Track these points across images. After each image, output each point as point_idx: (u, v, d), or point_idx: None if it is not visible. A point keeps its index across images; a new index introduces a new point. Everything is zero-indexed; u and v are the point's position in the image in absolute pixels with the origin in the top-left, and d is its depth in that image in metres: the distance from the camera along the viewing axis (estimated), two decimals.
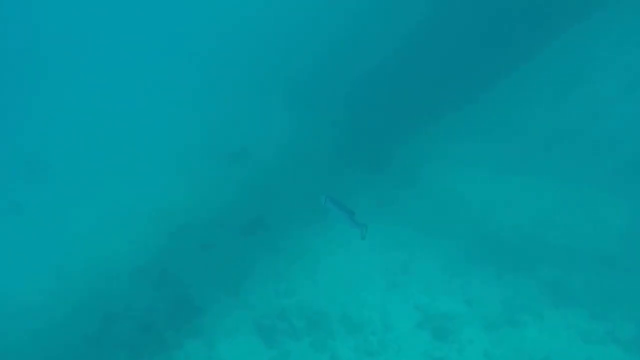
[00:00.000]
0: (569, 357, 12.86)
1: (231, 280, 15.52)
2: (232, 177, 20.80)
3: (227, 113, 25.97)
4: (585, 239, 15.97)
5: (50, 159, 24.87)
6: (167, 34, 34.94)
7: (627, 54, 20.47)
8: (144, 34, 35.23)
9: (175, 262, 16.51)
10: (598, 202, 16.97)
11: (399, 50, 26.13)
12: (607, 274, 14.63)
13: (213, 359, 13.70)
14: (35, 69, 33.61)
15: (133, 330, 14.29)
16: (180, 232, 17.97)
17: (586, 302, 13.99)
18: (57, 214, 20.42)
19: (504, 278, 15.12)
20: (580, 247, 15.74)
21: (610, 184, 17.19)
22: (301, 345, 13.68)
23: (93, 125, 27.12)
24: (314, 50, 28.86)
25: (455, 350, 13.34)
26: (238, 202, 19.17)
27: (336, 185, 19.16)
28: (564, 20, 22.32)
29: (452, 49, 24.59)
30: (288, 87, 27.21)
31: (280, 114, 25.24)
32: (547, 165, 18.76)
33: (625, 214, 16.26)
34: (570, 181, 17.73)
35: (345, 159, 20.85)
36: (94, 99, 30.27)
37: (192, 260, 16.53)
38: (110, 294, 15.75)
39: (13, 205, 21.54)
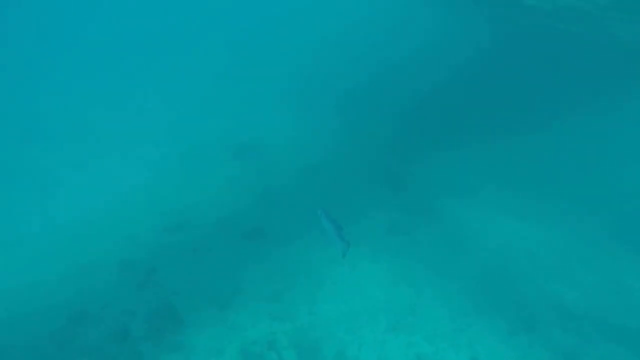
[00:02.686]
0: None
1: (222, 292, 14.13)
2: (239, 179, 19.46)
3: (239, 111, 25.24)
4: (607, 307, 14.83)
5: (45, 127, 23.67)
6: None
7: None
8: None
9: (165, 261, 15.12)
10: (625, 270, 15.83)
11: (448, 78, 25.77)
12: (627, 354, 13.49)
13: None
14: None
15: (104, 336, 12.86)
16: (176, 229, 16.60)
17: None
18: (46, 192, 19.05)
19: (515, 338, 13.89)
20: (601, 315, 14.58)
21: None
22: None
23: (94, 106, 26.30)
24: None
25: None
26: (242, 206, 17.84)
27: (350, 202, 17.95)
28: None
29: (503, 84, 23.98)
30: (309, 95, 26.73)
31: (293, 116, 24.49)
32: (573, 222, 17.66)
33: None
34: (598, 244, 16.60)
35: (363, 174, 19.66)
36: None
37: (183, 262, 15.16)
38: (89, 287, 14.34)
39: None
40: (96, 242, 16.10)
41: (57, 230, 16.73)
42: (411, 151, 21.32)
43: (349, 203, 18.20)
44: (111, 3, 42.68)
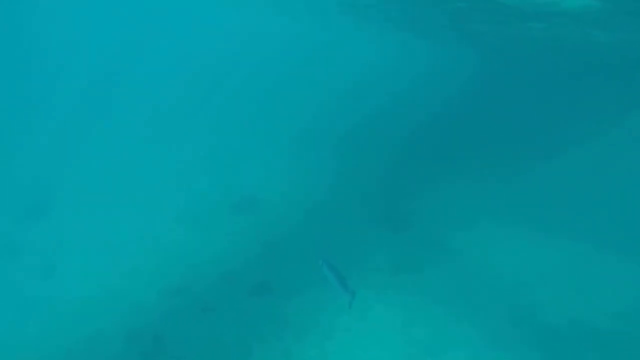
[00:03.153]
0: None
1: (231, 356, 13.71)
2: (240, 234, 19.31)
3: (235, 161, 25.31)
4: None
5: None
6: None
7: None
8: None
9: (172, 326, 14.72)
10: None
11: (442, 111, 25.99)
12: None
13: None
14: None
15: None
16: (180, 291, 16.26)
17: None
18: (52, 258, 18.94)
19: None
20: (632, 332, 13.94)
21: None
22: None
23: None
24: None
25: None
26: (245, 261, 17.57)
27: (352, 245, 17.66)
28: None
29: (493, 112, 24.04)
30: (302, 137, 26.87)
31: (290, 165, 24.49)
32: (593, 235, 17.25)
33: None
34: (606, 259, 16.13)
35: (363, 214, 19.45)
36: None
37: (190, 326, 14.75)
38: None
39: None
40: (100, 313, 15.76)
41: (61, 306, 16.44)
42: (409, 187, 21.16)
43: (351, 246, 17.94)
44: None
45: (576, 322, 14.51)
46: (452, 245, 17.78)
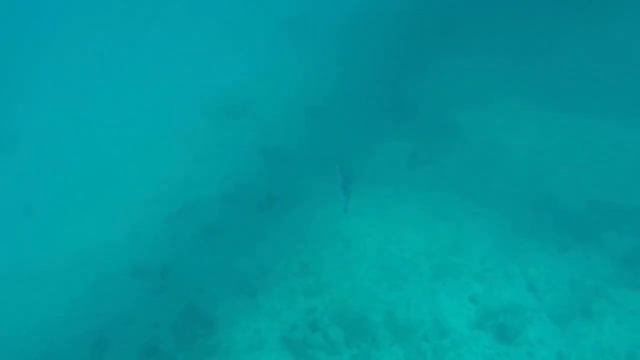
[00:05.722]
0: None
1: (247, 277, 12.85)
2: (238, 142, 17.61)
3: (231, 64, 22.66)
4: None
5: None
6: None
7: None
8: None
9: (179, 255, 13.72)
10: None
11: None
12: None
13: None
14: None
15: (132, 358, 11.73)
16: (182, 214, 15.09)
17: None
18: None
19: (568, 253, 12.72)
20: None
21: None
22: None
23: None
24: None
25: (525, 354, 11.17)
26: (248, 173, 16.17)
27: (361, 142, 16.27)
28: None
29: None
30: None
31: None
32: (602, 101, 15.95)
33: None
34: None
35: (370, 107, 17.79)
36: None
37: (198, 252, 13.76)
38: (105, 307, 13.07)
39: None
40: (101, 253, 14.67)
41: (64, 254, 15.24)
42: (413, 66, 19.26)
43: (360, 144, 16.63)
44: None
45: (594, 202, 13.71)
46: (464, 129, 16.44)
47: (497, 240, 13.15)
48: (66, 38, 29.98)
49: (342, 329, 11.46)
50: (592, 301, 11.65)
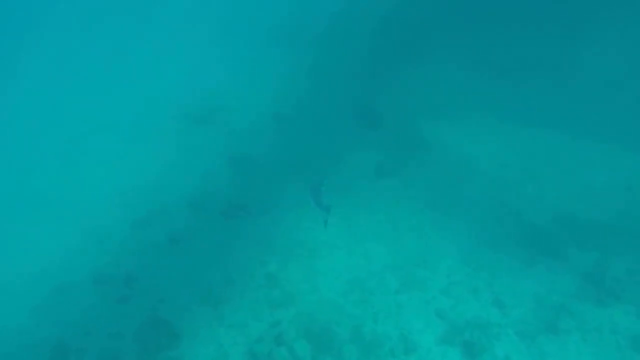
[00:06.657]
0: None
1: (212, 287, 12.66)
2: (204, 149, 17.35)
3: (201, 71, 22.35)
4: (625, 213, 13.75)
5: None
6: None
7: None
8: None
9: (143, 264, 13.44)
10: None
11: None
12: None
13: None
14: None
15: None
16: (147, 222, 14.79)
17: (633, 298, 11.95)
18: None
19: (534, 268, 12.86)
20: (620, 224, 13.52)
21: None
22: None
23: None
24: None
25: None
26: (214, 180, 15.95)
27: (327, 152, 16.20)
28: None
29: None
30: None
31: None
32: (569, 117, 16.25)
33: None
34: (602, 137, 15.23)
35: (336, 117, 17.75)
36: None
37: (163, 261, 13.51)
38: (65, 315, 12.68)
39: None
40: (63, 260, 14.28)
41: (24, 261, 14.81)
42: (382, 76, 19.30)
43: (328, 152, 16.59)
44: None
45: (559, 217, 13.97)
46: (432, 140, 16.54)
47: (464, 253, 13.25)
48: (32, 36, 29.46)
49: (309, 343, 11.35)
50: (557, 317, 11.78)
